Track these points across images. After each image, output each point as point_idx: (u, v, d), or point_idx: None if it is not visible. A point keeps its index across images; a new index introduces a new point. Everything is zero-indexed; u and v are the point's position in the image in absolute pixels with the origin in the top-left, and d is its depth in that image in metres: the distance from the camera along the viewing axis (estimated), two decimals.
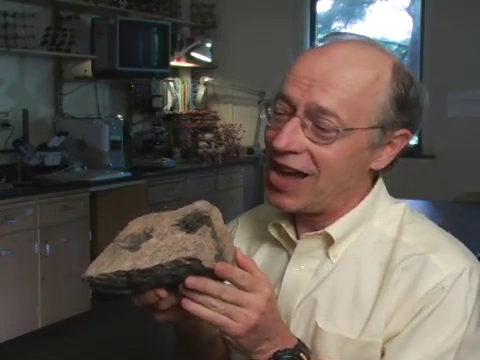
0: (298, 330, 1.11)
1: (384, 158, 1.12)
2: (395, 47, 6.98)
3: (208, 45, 6.36)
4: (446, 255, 1.09)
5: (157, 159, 5.49)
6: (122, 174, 4.90)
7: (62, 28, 4.99)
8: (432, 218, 1.19)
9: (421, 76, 6.12)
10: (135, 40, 5.44)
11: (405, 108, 1.10)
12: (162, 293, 0.94)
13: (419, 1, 6.19)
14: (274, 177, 1.10)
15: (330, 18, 7.18)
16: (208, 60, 6.39)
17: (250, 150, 6.30)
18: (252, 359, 1.01)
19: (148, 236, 0.96)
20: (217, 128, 6.36)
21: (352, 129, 1.06)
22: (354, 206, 1.14)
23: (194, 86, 6.57)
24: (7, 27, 4.53)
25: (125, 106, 5.89)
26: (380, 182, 1.17)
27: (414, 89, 1.10)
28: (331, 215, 1.13)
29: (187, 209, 0.98)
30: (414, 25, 6.53)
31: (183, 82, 6.48)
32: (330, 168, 1.07)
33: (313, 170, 1.08)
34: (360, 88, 1.06)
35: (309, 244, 1.15)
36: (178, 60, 6.25)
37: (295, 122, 1.07)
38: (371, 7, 7.01)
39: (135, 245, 0.95)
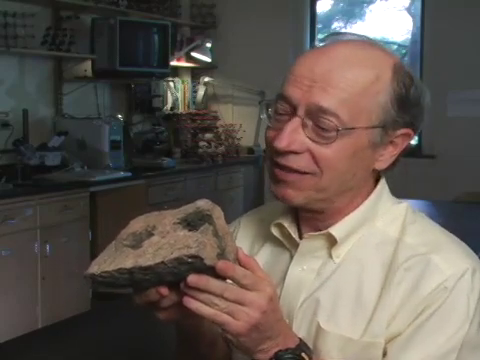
0: (300, 330, 1.11)
1: (386, 158, 1.12)
2: (395, 47, 6.98)
3: (208, 45, 6.36)
4: (448, 255, 1.09)
5: (157, 159, 5.49)
6: (122, 174, 4.90)
7: (62, 28, 4.99)
8: (432, 218, 1.19)
9: (421, 76, 6.11)
10: (135, 40, 5.44)
11: (406, 107, 1.09)
12: (164, 291, 0.94)
13: (419, 1, 6.19)
14: (278, 171, 1.10)
15: (330, 18, 7.18)
16: (208, 60, 6.39)
17: (250, 150, 6.30)
18: (254, 358, 1.01)
19: (150, 234, 0.96)
20: (217, 128, 6.36)
21: (353, 128, 1.06)
22: (357, 206, 1.14)
23: (194, 86, 6.57)
24: (7, 27, 4.53)
25: (125, 106, 5.89)
26: (383, 182, 1.17)
27: (415, 88, 1.10)
28: (334, 214, 1.13)
29: (189, 207, 0.98)
30: (414, 25, 6.54)
31: (183, 82, 6.48)
32: (331, 168, 1.07)
33: (315, 170, 1.08)
34: (360, 88, 1.06)
35: (312, 244, 1.15)
36: (178, 60, 6.25)
37: (296, 122, 1.07)
38: (371, 7, 7.02)
39: (137, 243, 0.96)
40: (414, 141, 6.06)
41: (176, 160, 5.74)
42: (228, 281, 0.94)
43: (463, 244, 1.14)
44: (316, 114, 1.05)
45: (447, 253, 1.09)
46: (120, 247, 0.96)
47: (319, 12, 6.64)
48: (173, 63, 6.03)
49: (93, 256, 3.90)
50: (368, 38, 1.15)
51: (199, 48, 6.30)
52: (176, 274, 0.91)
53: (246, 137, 6.25)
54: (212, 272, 0.92)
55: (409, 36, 6.78)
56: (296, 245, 1.16)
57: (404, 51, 6.88)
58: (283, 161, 1.08)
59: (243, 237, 1.27)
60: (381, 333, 1.06)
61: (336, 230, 1.12)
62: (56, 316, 4.42)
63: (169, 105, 6.30)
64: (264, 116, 1.13)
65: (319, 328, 1.10)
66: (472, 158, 5.75)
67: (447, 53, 5.83)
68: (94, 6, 5.19)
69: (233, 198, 5.95)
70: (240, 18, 6.34)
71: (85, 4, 5.14)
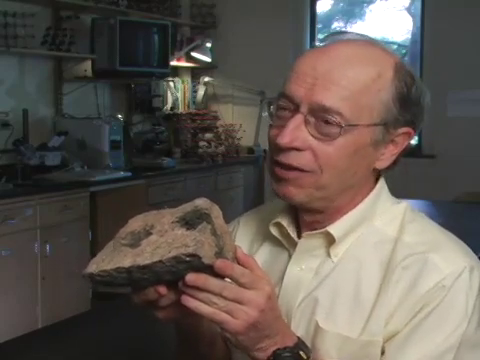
0: (299, 329, 1.11)
1: (387, 156, 1.13)
2: (395, 47, 6.98)
3: (208, 45, 6.36)
4: (446, 254, 1.09)
5: (157, 159, 5.49)
6: (122, 174, 4.90)
7: (62, 28, 4.99)
8: (432, 218, 1.19)
9: (421, 76, 6.08)
10: (135, 40, 5.44)
11: (407, 106, 1.10)
12: (162, 290, 0.94)
13: (419, 1, 6.19)
14: (278, 169, 1.11)
15: (330, 18, 7.18)
16: (208, 60, 6.39)
17: (250, 150, 6.30)
18: (252, 357, 1.01)
19: (148, 233, 0.96)
20: (217, 128, 6.36)
21: (355, 125, 1.06)
22: (356, 205, 1.14)
23: (194, 86, 6.57)
24: (7, 27, 4.52)
25: (125, 106, 5.89)
26: (382, 182, 1.18)
27: (416, 88, 1.11)
28: (334, 214, 1.13)
29: (187, 206, 0.98)
30: (414, 25, 6.54)
31: (183, 82, 6.48)
32: (332, 166, 1.08)
33: (315, 168, 1.08)
34: (362, 85, 1.07)
35: (310, 243, 1.15)
36: (178, 60, 6.25)
37: (298, 119, 1.07)
38: (371, 7, 7.01)
39: (135, 242, 0.96)
40: (414, 141, 6.06)
41: (176, 160, 5.74)
42: (227, 280, 0.94)
43: (461, 243, 1.14)
44: (319, 112, 1.06)
45: (445, 252, 1.09)
46: (118, 246, 0.96)
47: (319, 12, 6.65)
48: (173, 63, 6.03)
49: (93, 256, 3.87)
50: (369, 37, 1.15)
51: (199, 48, 6.30)
52: (174, 273, 0.91)
53: (246, 137, 6.25)
54: (210, 271, 0.92)
55: (409, 36, 6.78)
56: (294, 244, 1.16)
57: (404, 51, 6.88)
58: (284, 159, 1.09)
59: (242, 236, 1.27)
60: (379, 332, 1.06)
61: (334, 229, 1.13)
62: (56, 316, 4.42)
63: (169, 105, 6.30)
64: (266, 114, 1.13)
65: (317, 327, 1.10)
66: (472, 158, 5.75)
67: (447, 53, 5.83)
68: (94, 6, 5.19)
69: (233, 198, 5.95)
70: (240, 18, 6.34)
71: (85, 4, 5.14)
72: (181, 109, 6.39)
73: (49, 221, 4.32)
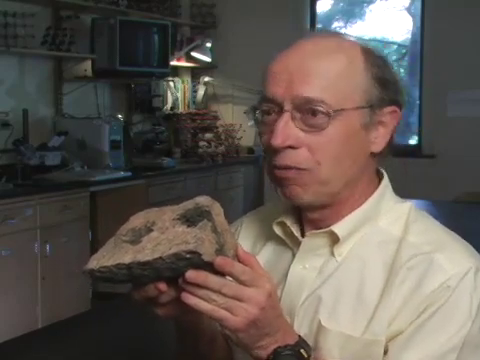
0: (302, 328, 1.11)
1: (380, 139, 1.13)
2: (395, 47, 6.99)
3: (208, 45, 6.36)
4: (451, 254, 1.09)
5: (157, 159, 5.49)
6: (122, 174, 4.90)
7: (62, 28, 4.99)
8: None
9: (421, 76, 6.12)
10: (135, 40, 5.44)
11: (386, 85, 1.11)
12: (162, 286, 0.94)
13: (419, 1, 6.20)
14: (276, 171, 1.11)
15: (330, 18, 7.17)
16: (208, 60, 6.39)
17: (250, 150, 6.30)
18: (252, 355, 1.00)
19: (149, 230, 0.96)
20: (217, 128, 6.36)
21: (342, 110, 1.07)
22: (360, 204, 1.14)
23: (194, 86, 6.57)
24: (7, 27, 4.53)
25: (125, 106, 5.89)
26: (386, 181, 1.18)
27: (389, 69, 1.13)
28: (338, 210, 1.13)
29: (188, 204, 0.98)
30: (414, 25, 6.54)
31: (183, 82, 6.48)
32: (328, 156, 1.08)
33: (312, 165, 1.08)
34: (336, 73, 1.08)
35: (314, 242, 1.15)
36: (178, 60, 6.25)
37: (286, 117, 1.08)
38: (371, 7, 7.01)
39: (136, 239, 0.96)
40: (414, 141, 6.06)
41: (176, 160, 5.74)
42: (227, 277, 0.94)
43: (466, 243, 1.14)
44: (303, 105, 1.07)
45: (450, 252, 1.09)
46: (119, 243, 0.96)
47: (319, 12, 6.65)
48: (173, 63, 6.03)
49: None
50: (334, 31, 1.20)
51: (199, 48, 6.30)
52: (174, 270, 0.91)
53: (246, 137, 6.24)
54: (211, 268, 0.92)
55: (409, 36, 6.79)
56: (298, 243, 1.16)
57: (404, 51, 6.88)
58: (280, 160, 1.09)
59: (245, 237, 1.27)
60: (382, 331, 1.06)
61: (338, 228, 1.12)
62: (56, 316, 4.42)
63: (169, 105, 6.30)
64: (252, 122, 1.14)
65: (320, 326, 1.10)
66: (472, 158, 5.75)
67: (447, 53, 5.83)
68: (94, 6, 5.19)
69: (233, 198, 5.95)
70: (240, 18, 6.34)
71: (85, 4, 5.14)
72: (181, 109, 6.39)
73: (49, 221, 4.32)
